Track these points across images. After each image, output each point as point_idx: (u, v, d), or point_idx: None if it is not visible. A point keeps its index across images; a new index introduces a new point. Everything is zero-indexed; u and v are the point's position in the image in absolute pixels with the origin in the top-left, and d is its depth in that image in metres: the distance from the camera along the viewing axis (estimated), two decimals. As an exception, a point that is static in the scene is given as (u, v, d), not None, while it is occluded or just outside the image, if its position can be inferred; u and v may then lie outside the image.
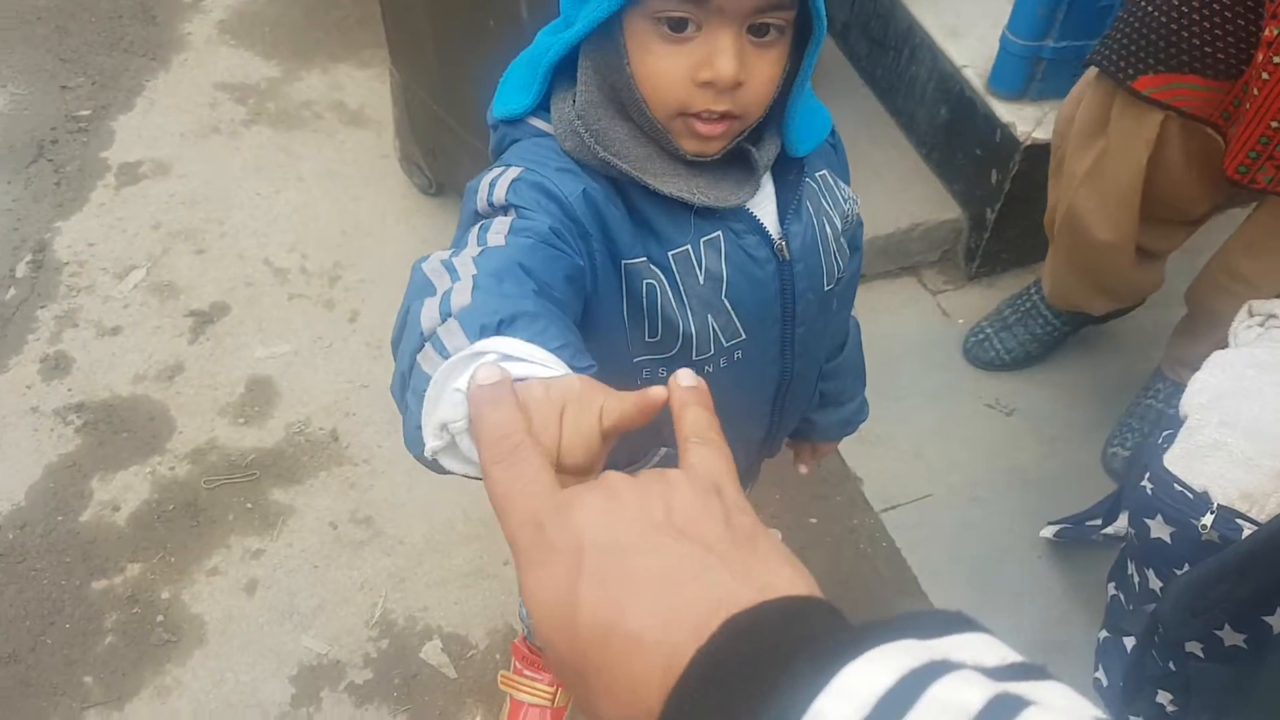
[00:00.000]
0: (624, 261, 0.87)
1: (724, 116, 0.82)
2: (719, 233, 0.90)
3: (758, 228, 0.92)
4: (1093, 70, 1.70)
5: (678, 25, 0.78)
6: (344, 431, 1.97)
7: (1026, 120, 2.04)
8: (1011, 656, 0.35)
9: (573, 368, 0.59)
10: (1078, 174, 1.77)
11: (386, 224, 2.28)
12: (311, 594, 1.76)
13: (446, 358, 0.60)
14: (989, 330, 2.12)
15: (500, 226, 0.78)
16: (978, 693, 0.31)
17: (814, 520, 1.89)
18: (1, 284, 2.18)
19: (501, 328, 0.62)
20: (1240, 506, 1.36)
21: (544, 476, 0.46)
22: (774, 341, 0.99)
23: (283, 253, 2.26)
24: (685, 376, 0.53)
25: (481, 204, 0.83)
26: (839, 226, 1.00)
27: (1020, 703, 0.31)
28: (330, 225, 2.31)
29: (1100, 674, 1.59)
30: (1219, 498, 1.37)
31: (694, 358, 0.94)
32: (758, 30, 0.79)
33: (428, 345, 0.63)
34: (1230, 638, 1.40)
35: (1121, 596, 1.59)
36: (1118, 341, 2.18)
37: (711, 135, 0.84)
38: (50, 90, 2.60)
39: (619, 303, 0.89)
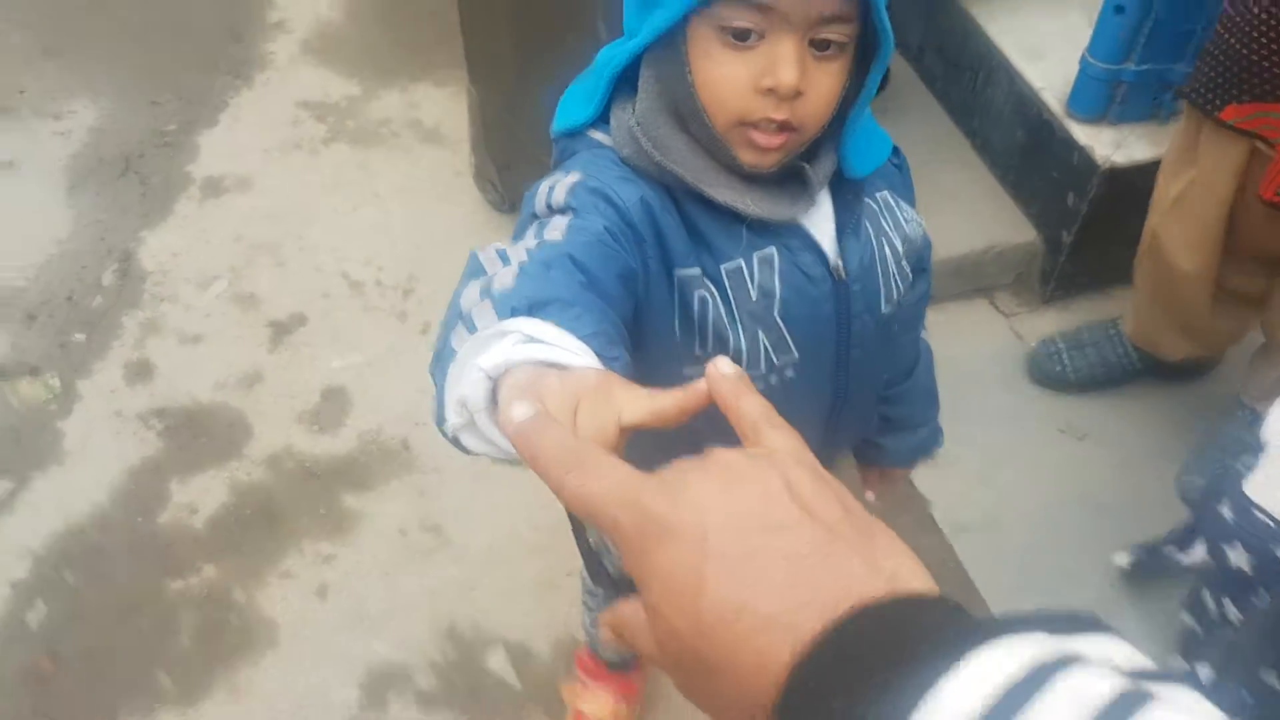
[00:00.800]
0: (678, 271, 0.87)
1: (782, 128, 0.82)
2: (773, 249, 0.90)
3: (813, 245, 0.92)
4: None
5: (741, 35, 0.79)
6: (414, 440, 2.00)
7: (1105, 144, 2.01)
8: (1143, 660, 0.35)
9: (600, 357, 0.59)
10: (1165, 202, 1.76)
11: (459, 238, 2.32)
12: (381, 600, 1.79)
13: (472, 330, 0.61)
14: (1061, 345, 2.09)
15: (558, 224, 0.79)
16: (1108, 685, 0.31)
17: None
18: (89, 291, 2.26)
19: (533, 310, 0.62)
20: (1324, 535, 1.33)
21: (621, 466, 0.45)
22: (828, 362, 0.98)
23: (359, 266, 2.31)
24: (725, 364, 0.51)
25: (540, 207, 0.84)
26: (900, 249, 0.99)
27: (1148, 698, 0.31)
28: (405, 240, 2.36)
29: (1175, 705, 1.55)
30: (1301, 526, 1.34)
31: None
32: (819, 44, 0.80)
33: (460, 323, 0.64)
34: (1313, 669, 1.36)
35: (1196, 625, 1.56)
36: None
37: (769, 146, 0.84)
38: (139, 106, 2.69)
39: (671, 313, 0.89)
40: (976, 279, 2.25)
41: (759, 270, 0.90)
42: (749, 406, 0.49)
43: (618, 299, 0.78)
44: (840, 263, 0.93)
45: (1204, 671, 1.49)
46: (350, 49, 2.86)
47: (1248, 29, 1.52)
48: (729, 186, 0.87)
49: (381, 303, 2.25)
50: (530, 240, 0.77)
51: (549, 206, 0.83)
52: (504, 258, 0.73)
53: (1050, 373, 2.08)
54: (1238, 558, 1.41)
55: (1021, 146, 2.21)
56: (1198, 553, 1.62)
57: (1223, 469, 1.72)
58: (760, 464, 0.43)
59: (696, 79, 0.82)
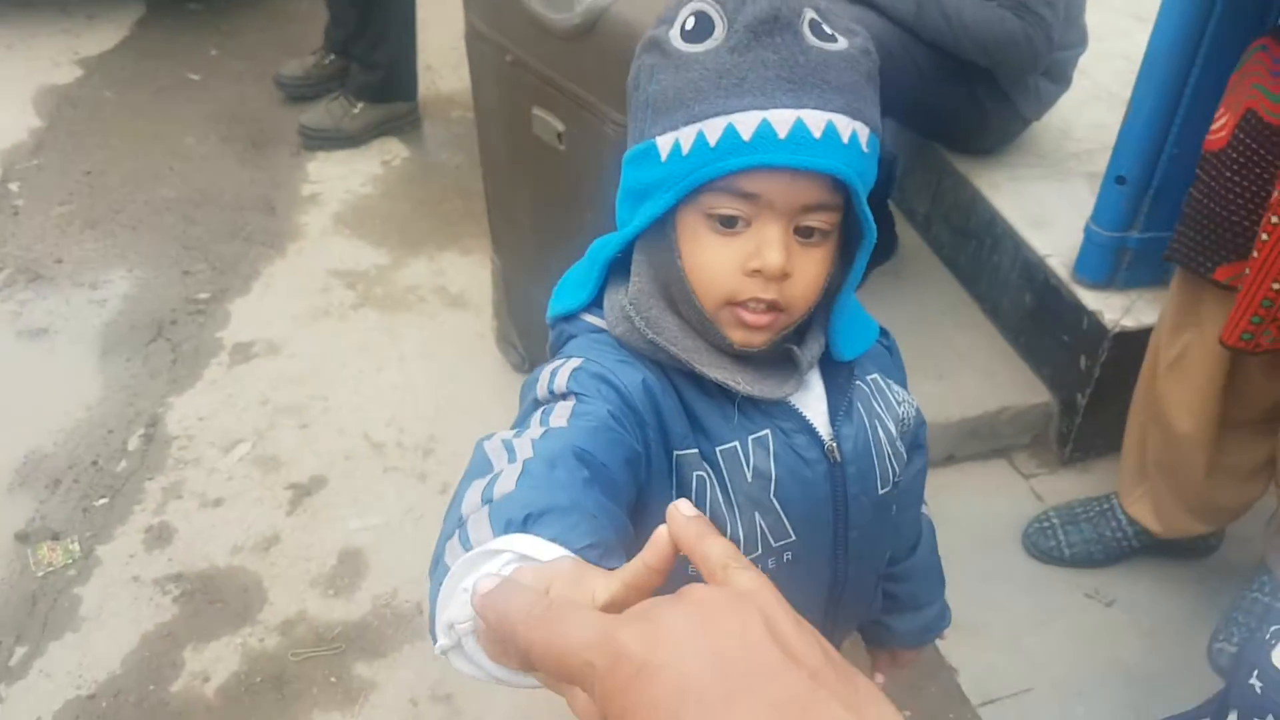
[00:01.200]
0: (676, 453, 0.88)
1: (770, 308, 0.85)
2: (767, 431, 0.91)
3: (807, 428, 0.93)
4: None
5: (728, 221, 0.82)
6: (428, 606, 1.98)
7: (1114, 309, 2.05)
8: None
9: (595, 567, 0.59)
10: (1163, 364, 1.78)
11: (481, 399, 2.35)
12: (390, 773, 1.74)
13: (467, 549, 0.61)
14: (1055, 520, 2.06)
15: (562, 410, 0.81)
16: None
17: (907, 712, 1.82)
18: (114, 456, 2.29)
19: (528, 523, 0.62)
20: (1360, 708, 1.28)
21: (592, 611, 0.44)
22: (825, 545, 0.98)
23: (380, 427, 2.34)
24: (685, 506, 0.50)
25: (542, 392, 0.86)
26: (894, 430, 1.00)
27: None
28: (427, 400, 2.40)
29: None
30: (1336, 698, 1.30)
31: None
32: (804, 231, 0.83)
33: (456, 533, 0.64)
34: None
35: (1239, 805, 1.49)
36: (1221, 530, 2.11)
37: (758, 325, 0.86)
38: (173, 275, 2.79)
39: (668, 494, 0.89)
40: (993, 440, 2.25)
41: (754, 452, 0.91)
42: (714, 548, 0.47)
43: (623, 487, 0.79)
44: (835, 444, 0.94)
45: None
46: (381, 221, 2.98)
47: (1223, 193, 1.58)
48: (720, 365, 0.89)
49: (401, 463, 2.27)
50: (535, 429, 0.78)
51: (551, 392, 0.85)
52: (509, 450, 0.74)
53: (1045, 548, 2.05)
54: (1274, 731, 1.37)
55: (1030, 311, 2.25)
56: (1234, 724, 1.57)
57: (1251, 638, 1.68)
58: (739, 603, 0.42)
59: (686, 263, 0.85)
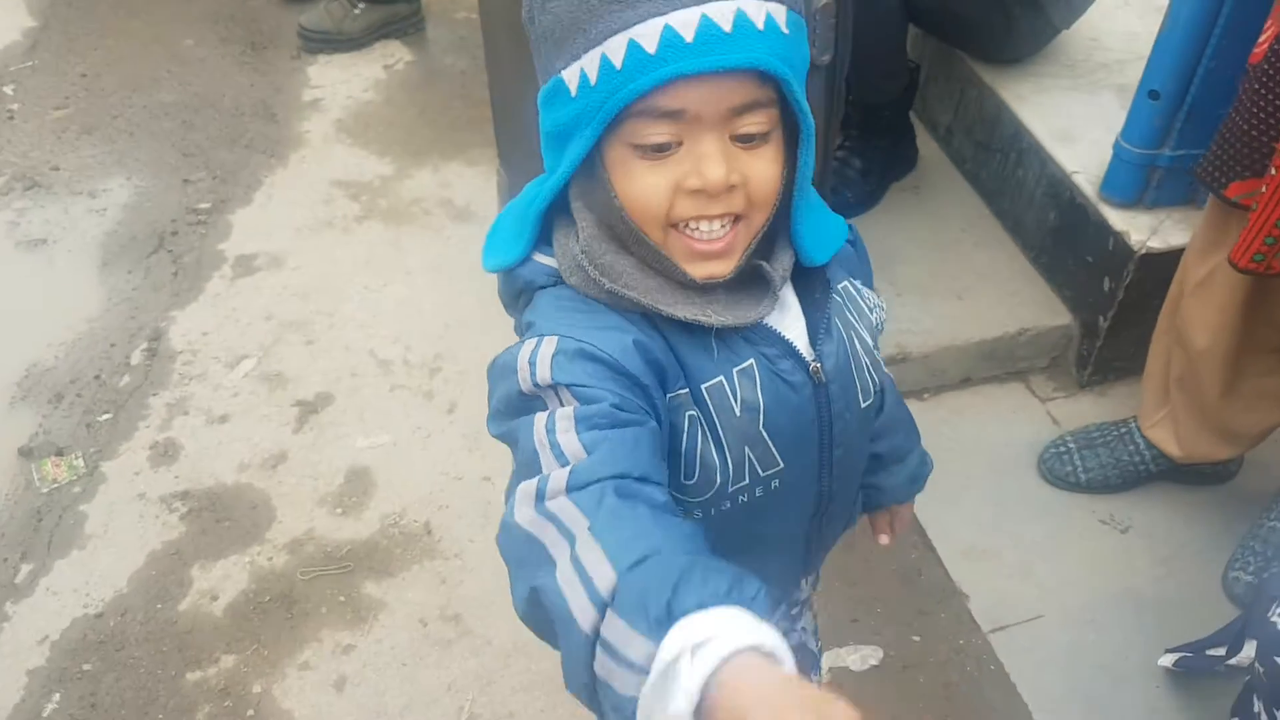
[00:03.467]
0: (669, 394, 0.84)
1: (732, 222, 0.80)
2: (752, 360, 0.87)
3: (791, 350, 0.89)
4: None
5: (659, 148, 0.77)
6: (437, 525, 1.97)
7: (1141, 229, 1.98)
8: None
9: (747, 599, 0.58)
10: (1190, 284, 1.74)
11: (488, 316, 2.30)
12: (399, 693, 1.74)
13: (633, 668, 0.58)
14: (1071, 445, 2.03)
15: (564, 423, 0.75)
16: None
17: (917, 638, 1.81)
18: (117, 371, 2.26)
19: (672, 610, 0.58)
20: (1382, 647, 1.26)
21: None
22: (811, 465, 0.95)
23: (387, 344, 2.31)
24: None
25: (525, 384, 0.79)
26: (869, 340, 0.97)
27: None
28: (434, 318, 2.35)
29: (1226, 820, 1.48)
30: (1360, 637, 1.28)
31: (729, 490, 0.89)
32: (743, 139, 0.78)
33: (601, 654, 0.60)
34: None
35: (1249, 735, 1.49)
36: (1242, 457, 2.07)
37: (715, 251, 0.81)
38: (173, 184, 2.72)
39: (668, 440, 0.85)
40: (1010, 362, 2.20)
41: (740, 385, 0.86)
42: None
43: (662, 467, 0.75)
44: (819, 365, 0.90)
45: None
46: (384, 129, 2.89)
47: (1250, 108, 1.53)
48: (687, 301, 0.83)
49: (408, 381, 2.23)
50: (556, 471, 0.72)
51: (536, 384, 0.79)
52: (555, 520, 0.68)
53: (1060, 473, 2.02)
54: (1291, 667, 1.35)
55: (1054, 230, 2.19)
56: (1246, 654, 1.56)
57: (1272, 572, 1.66)
58: None
59: (624, 200, 0.79)
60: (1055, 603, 1.86)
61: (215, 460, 2.09)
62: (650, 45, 0.72)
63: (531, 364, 0.79)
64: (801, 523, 1.01)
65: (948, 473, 2.01)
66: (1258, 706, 1.45)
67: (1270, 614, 1.40)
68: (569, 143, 0.79)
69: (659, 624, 0.57)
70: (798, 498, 0.97)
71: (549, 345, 0.80)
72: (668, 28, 0.71)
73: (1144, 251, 1.95)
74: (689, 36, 0.71)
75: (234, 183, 2.73)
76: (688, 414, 0.85)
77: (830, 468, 0.96)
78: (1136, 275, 1.98)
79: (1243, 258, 1.55)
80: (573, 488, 0.70)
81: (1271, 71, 1.49)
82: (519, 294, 0.89)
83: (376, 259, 2.50)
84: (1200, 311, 1.74)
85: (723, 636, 0.55)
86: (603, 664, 0.60)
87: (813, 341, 0.91)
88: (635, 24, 0.72)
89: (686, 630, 0.56)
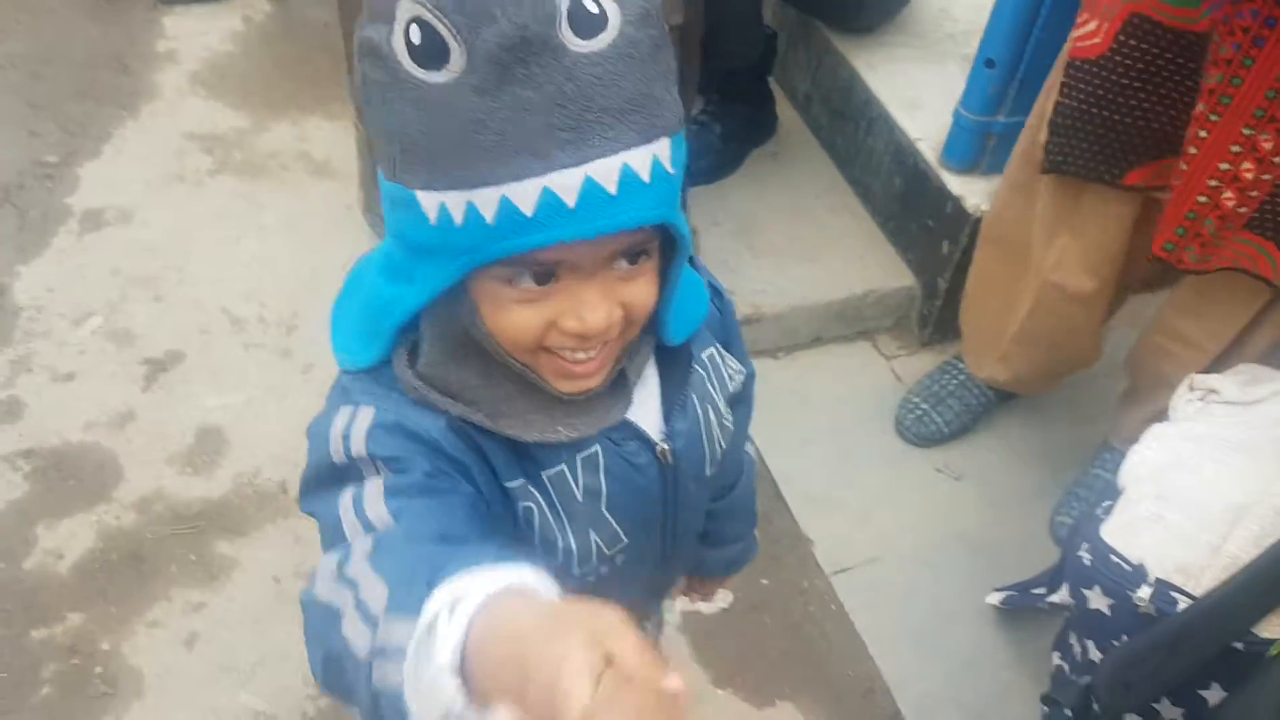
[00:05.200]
0: (506, 485, 0.81)
1: (602, 343, 0.75)
2: (596, 448, 0.84)
3: (637, 434, 0.86)
4: (1025, 169, 1.76)
5: (538, 283, 0.69)
6: (293, 484, 1.96)
7: (977, 194, 2.08)
8: None
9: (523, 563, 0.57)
10: (1048, 262, 1.80)
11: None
12: (251, 649, 1.74)
13: (401, 654, 0.55)
14: (924, 405, 2.13)
15: (373, 496, 0.72)
16: None
17: (765, 581, 1.89)
18: (-44, 327, 2.17)
19: (432, 584, 0.56)
20: (1176, 580, 1.37)
21: None
22: (655, 536, 0.94)
23: (240, 301, 2.27)
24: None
25: (338, 454, 0.76)
26: (723, 408, 0.95)
27: None
28: (290, 275, 2.32)
29: (1041, 745, 1.59)
30: (1156, 571, 1.39)
31: (575, 571, 0.88)
32: (622, 270, 0.72)
33: (378, 663, 0.58)
34: (1169, 712, 1.41)
35: (1065, 666, 1.60)
36: (1070, 407, 2.21)
37: (589, 373, 0.76)
38: (18, 136, 2.60)
39: (509, 521, 0.83)
40: (858, 322, 2.30)
41: (583, 472, 0.83)
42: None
43: (483, 537, 0.74)
44: (667, 447, 0.87)
45: (1068, 713, 1.53)
46: (241, 81, 2.81)
47: (1118, 100, 1.56)
48: (535, 414, 0.79)
49: (263, 339, 2.20)
50: (361, 542, 0.68)
51: (349, 456, 0.75)
52: (349, 583, 0.64)
53: (926, 434, 2.12)
54: (1097, 600, 1.46)
55: (900, 195, 2.28)
56: (1065, 593, 1.67)
57: (1087, 513, 1.78)
58: None
59: (490, 326, 0.73)
60: (892, 547, 1.96)
61: (61, 418, 2.03)
62: (528, 208, 0.63)
63: (346, 436, 0.76)
64: (644, 585, 1.02)
65: (797, 426, 2.10)
66: (1073, 639, 1.56)
67: (1080, 551, 1.51)
68: (423, 261, 0.70)
69: (421, 601, 0.56)
70: (642, 563, 0.96)
71: (365, 418, 0.76)
72: (547, 190, 0.63)
73: (979, 215, 2.05)
74: (571, 202, 0.63)
75: (83, 135, 2.63)
76: (523, 504, 0.82)
77: (674, 530, 0.96)
78: (973, 238, 2.08)
79: (1157, 245, 1.61)
80: (377, 559, 0.65)
81: (1133, 64, 1.52)
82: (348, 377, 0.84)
83: (230, 214, 2.45)
84: (1076, 268, 1.78)
85: (479, 586, 0.55)
86: (379, 671, 0.57)
87: (665, 419, 0.88)
88: (507, 181, 0.63)
89: (444, 592, 0.55)
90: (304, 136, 2.66)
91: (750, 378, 1.05)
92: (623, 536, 0.89)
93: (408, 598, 0.57)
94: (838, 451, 2.10)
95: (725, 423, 0.96)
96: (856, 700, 1.78)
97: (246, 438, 2.03)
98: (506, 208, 0.64)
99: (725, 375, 0.95)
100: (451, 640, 0.53)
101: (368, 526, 0.71)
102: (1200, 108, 1.48)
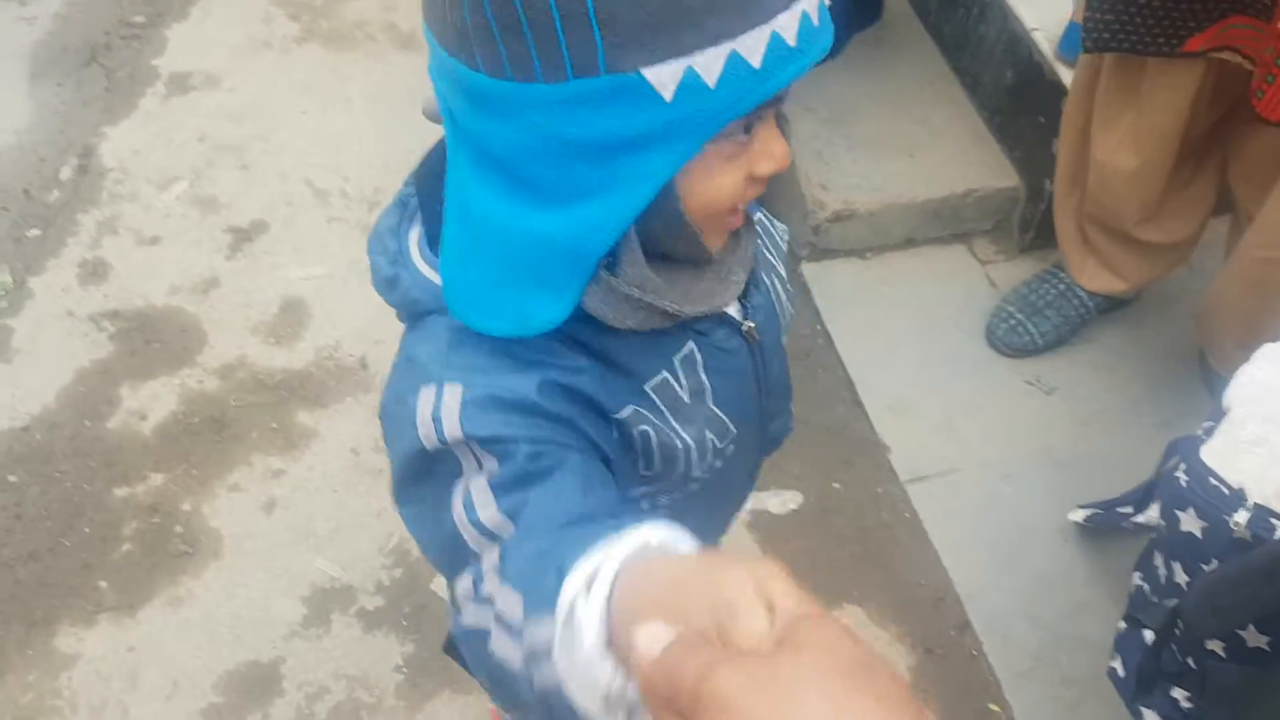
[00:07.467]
0: (614, 417, 0.79)
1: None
2: (690, 345, 0.82)
3: (723, 319, 0.85)
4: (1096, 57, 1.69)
5: (749, 128, 0.70)
6: (372, 359, 1.96)
7: (1095, 90, 1.96)
8: None
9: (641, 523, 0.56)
10: (1108, 143, 1.75)
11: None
12: (329, 518, 1.77)
13: (552, 656, 0.54)
14: (1019, 316, 2.04)
15: (483, 497, 0.69)
16: None
17: (837, 485, 1.86)
18: (46, 185, 2.19)
19: (562, 573, 0.54)
20: (1276, 506, 1.31)
21: None
22: (755, 417, 0.94)
23: (325, 174, 2.25)
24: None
25: (429, 439, 0.72)
26: (784, 273, 0.95)
27: None
28: (374, 149, 2.29)
29: (1117, 664, 1.55)
30: (1255, 496, 1.33)
31: (694, 473, 0.88)
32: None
33: (534, 669, 0.56)
34: (1254, 639, 1.36)
35: (1146, 587, 1.55)
36: (1164, 322, 2.11)
37: (737, 225, 0.79)
38: (108, -6, 2.59)
39: (617, 448, 0.81)
40: (955, 224, 2.20)
41: (683, 373, 0.82)
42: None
43: (612, 498, 0.72)
44: (752, 325, 0.87)
45: (1148, 634, 1.49)
46: (329, -55, 2.76)
47: None
48: (697, 290, 0.79)
49: (346, 214, 2.19)
50: (487, 551, 0.67)
51: (443, 440, 0.71)
52: (486, 602, 0.63)
53: (1019, 345, 2.03)
54: (1190, 523, 1.41)
55: (1010, 88, 2.15)
56: (1152, 513, 1.62)
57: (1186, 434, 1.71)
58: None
59: (693, 199, 0.70)
60: (974, 457, 1.91)
61: (145, 281, 2.05)
62: (790, 37, 0.64)
63: (436, 420, 0.71)
64: (751, 465, 1.02)
65: (881, 330, 2.04)
66: (1159, 560, 1.51)
67: (1176, 471, 1.45)
68: (636, 154, 0.65)
69: (555, 595, 0.54)
70: (747, 451, 0.96)
71: (453, 396, 0.72)
72: (805, 15, 0.64)
73: (1095, 114, 1.93)
74: (791, 40, 0.64)
75: (170, -4, 2.61)
76: (638, 429, 0.81)
77: (769, 413, 0.96)
78: (1086, 139, 1.96)
79: (1274, 113, 1.53)
80: (506, 570, 0.65)
81: None
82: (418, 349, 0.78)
83: (316, 84, 2.42)
84: (1131, 151, 1.73)
85: (610, 557, 0.53)
86: (538, 677, 0.56)
87: (744, 297, 0.87)
88: (779, 13, 0.63)
89: (576, 576, 0.53)
90: (390, 6, 2.60)
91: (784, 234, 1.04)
92: (731, 427, 0.88)
93: (541, 596, 0.55)
94: (922, 358, 2.04)
95: (788, 286, 0.97)
96: (926, 609, 1.75)
97: (328, 311, 2.03)
98: (775, 42, 0.64)
99: (778, 237, 0.96)
100: (593, 617, 0.51)
101: (487, 535, 0.69)
102: None
